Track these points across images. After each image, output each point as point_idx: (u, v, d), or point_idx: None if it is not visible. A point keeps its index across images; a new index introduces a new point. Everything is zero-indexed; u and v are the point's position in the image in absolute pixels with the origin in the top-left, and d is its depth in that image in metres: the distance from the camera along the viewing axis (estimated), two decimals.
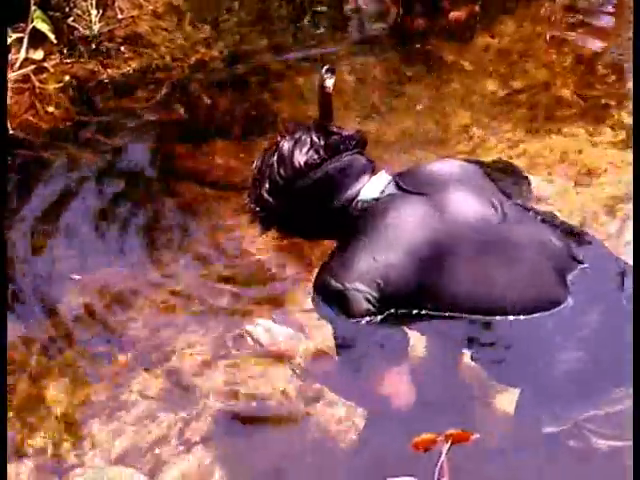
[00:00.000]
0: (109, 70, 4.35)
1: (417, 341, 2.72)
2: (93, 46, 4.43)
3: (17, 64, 4.15)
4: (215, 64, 4.40)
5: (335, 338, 2.22)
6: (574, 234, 2.27)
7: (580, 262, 2.19)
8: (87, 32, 4.43)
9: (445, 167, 2.36)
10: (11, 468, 2.69)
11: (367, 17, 4.73)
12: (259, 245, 3.40)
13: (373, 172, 2.26)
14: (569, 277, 2.16)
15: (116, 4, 4.62)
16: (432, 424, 1.67)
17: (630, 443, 2.10)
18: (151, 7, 4.69)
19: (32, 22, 4.12)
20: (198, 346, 3.09)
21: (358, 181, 2.23)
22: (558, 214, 2.36)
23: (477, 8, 4.61)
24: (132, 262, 3.40)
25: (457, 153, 3.72)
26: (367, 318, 2.14)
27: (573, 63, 4.27)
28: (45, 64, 4.29)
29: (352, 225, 2.20)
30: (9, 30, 4.02)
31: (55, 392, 2.97)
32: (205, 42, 4.50)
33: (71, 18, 4.46)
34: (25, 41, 4.16)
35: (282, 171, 2.22)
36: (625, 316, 2.12)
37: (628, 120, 3.86)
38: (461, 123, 3.95)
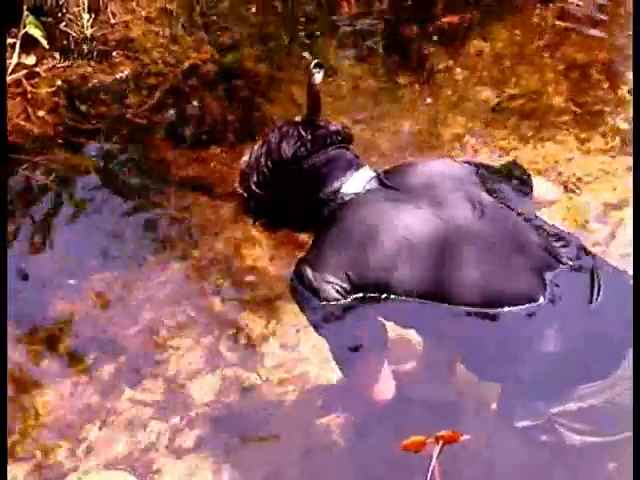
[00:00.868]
0: (101, 75, 4.34)
1: (414, 342, 2.74)
2: (85, 51, 4.43)
3: (9, 69, 4.15)
4: (208, 69, 4.39)
5: (313, 327, 2.27)
6: (558, 236, 2.28)
7: (562, 262, 2.21)
8: (79, 37, 4.42)
9: (431, 165, 2.41)
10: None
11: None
12: (253, 251, 3.40)
13: (358, 167, 2.30)
14: (548, 276, 2.19)
15: (108, 9, 4.62)
16: (423, 424, 1.67)
17: (605, 439, 2.18)
18: (144, 12, 4.69)
19: (24, 27, 4.14)
20: (192, 352, 3.09)
21: (343, 175, 2.28)
22: (549, 221, 2.36)
23: (469, 15, 4.62)
24: (126, 267, 3.39)
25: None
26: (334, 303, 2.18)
27: (566, 70, 4.28)
28: (37, 69, 4.29)
29: (331, 217, 2.25)
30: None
31: (47, 398, 2.96)
32: (197, 47, 4.50)
33: (63, 23, 4.46)
34: (17, 46, 4.17)
35: (269, 163, 2.28)
36: (599, 315, 2.16)
37: (621, 126, 3.87)
38: (453, 131, 3.96)
